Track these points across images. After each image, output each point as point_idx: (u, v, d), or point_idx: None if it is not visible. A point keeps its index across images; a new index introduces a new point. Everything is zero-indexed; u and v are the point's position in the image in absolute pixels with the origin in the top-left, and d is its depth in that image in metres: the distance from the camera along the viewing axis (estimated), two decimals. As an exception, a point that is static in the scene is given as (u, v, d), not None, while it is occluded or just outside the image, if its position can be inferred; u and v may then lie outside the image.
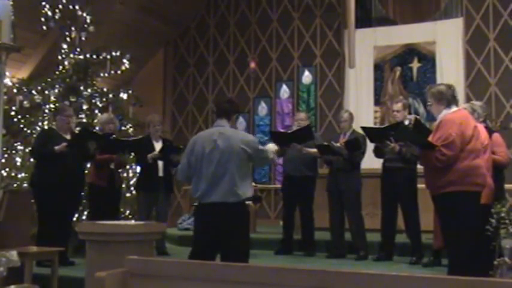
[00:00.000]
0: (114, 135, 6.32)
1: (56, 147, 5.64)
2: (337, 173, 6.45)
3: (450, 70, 9.37)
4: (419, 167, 5.44)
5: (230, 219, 3.88)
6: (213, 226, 3.91)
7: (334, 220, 6.48)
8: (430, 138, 4.48)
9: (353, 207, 6.40)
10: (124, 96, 8.32)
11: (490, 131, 5.43)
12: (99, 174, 6.29)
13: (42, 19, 7.85)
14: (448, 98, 4.50)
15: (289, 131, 6.65)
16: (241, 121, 10.70)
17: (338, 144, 6.36)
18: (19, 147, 7.53)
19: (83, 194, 6.32)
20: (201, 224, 4.03)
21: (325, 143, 6.50)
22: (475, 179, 4.36)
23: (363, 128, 6.09)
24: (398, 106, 6.22)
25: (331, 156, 6.44)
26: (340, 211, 6.45)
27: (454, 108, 4.51)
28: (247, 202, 4.15)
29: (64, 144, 5.68)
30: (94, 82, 8.11)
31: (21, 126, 7.70)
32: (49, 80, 7.83)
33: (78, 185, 5.99)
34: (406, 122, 6.06)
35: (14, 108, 7.69)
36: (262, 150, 4.06)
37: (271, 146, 4.49)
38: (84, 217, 6.78)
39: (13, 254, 3.83)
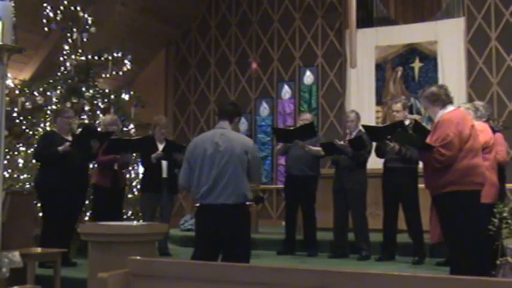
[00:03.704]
0: (116, 136, 6.34)
1: (60, 148, 5.66)
2: (342, 172, 6.45)
3: (452, 70, 9.36)
4: (420, 166, 5.45)
5: (231, 220, 3.89)
6: (214, 227, 3.91)
7: (338, 219, 6.49)
8: (428, 139, 4.49)
9: (358, 207, 6.40)
10: (126, 97, 8.32)
11: (493, 131, 5.45)
12: (103, 174, 6.31)
13: (44, 20, 7.85)
14: (443, 98, 4.50)
15: (291, 128, 6.67)
16: (243, 121, 10.69)
17: (342, 143, 6.37)
18: (21, 149, 7.53)
19: (86, 195, 6.34)
20: (203, 225, 4.02)
21: (329, 141, 6.53)
22: (474, 178, 4.36)
23: (364, 126, 6.12)
24: (397, 106, 6.22)
25: (336, 155, 6.46)
26: (345, 211, 6.45)
27: (450, 108, 4.51)
28: (248, 203, 4.17)
29: (67, 144, 5.70)
30: (96, 83, 8.11)
31: (24, 127, 7.70)
32: (51, 81, 7.83)
33: (82, 186, 6.01)
34: (407, 122, 6.07)
35: (16, 109, 7.70)
36: (258, 161, 4.12)
37: None
38: (86, 218, 6.79)
39: (16, 255, 3.84)
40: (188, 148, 4.12)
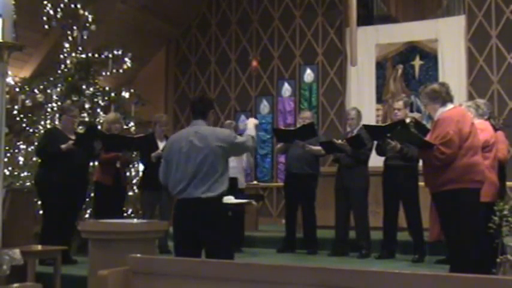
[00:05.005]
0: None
1: (63, 146, 5.66)
2: (344, 170, 6.45)
3: (452, 68, 9.36)
4: (421, 164, 5.45)
5: (205, 215, 3.95)
6: (189, 221, 3.97)
7: (339, 218, 6.48)
8: (428, 137, 4.48)
9: (359, 206, 6.39)
10: (126, 95, 8.32)
11: (494, 129, 5.45)
12: (105, 172, 6.31)
13: (44, 18, 7.86)
14: (443, 96, 4.50)
15: (292, 128, 6.67)
16: (243, 119, 10.70)
17: (340, 141, 6.37)
18: (22, 146, 7.54)
19: (88, 192, 6.34)
20: (179, 219, 4.08)
21: (328, 140, 6.53)
22: (474, 176, 4.35)
23: (365, 126, 6.11)
24: (399, 104, 6.21)
25: (337, 153, 6.46)
26: (347, 209, 6.45)
27: (449, 106, 4.51)
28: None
29: (71, 142, 5.69)
30: (96, 81, 8.11)
31: (24, 125, 7.71)
32: (51, 79, 7.83)
33: (82, 184, 6.01)
34: (408, 120, 6.06)
35: (16, 107, 7.71)
36: (238, 143, 4.12)
37: (251, 122, 4.46)
38: (86, 215, 6.79)
39: (16, 253, 3.84)
40: (165, 146, 4.18)
